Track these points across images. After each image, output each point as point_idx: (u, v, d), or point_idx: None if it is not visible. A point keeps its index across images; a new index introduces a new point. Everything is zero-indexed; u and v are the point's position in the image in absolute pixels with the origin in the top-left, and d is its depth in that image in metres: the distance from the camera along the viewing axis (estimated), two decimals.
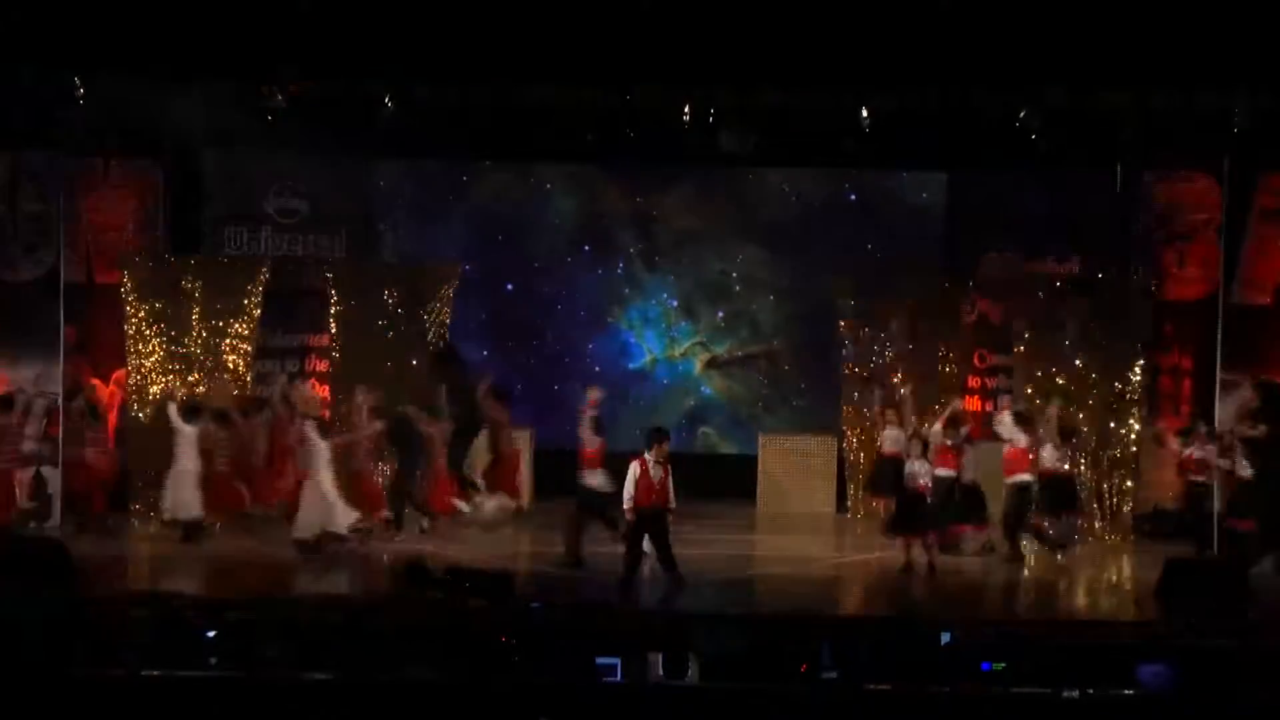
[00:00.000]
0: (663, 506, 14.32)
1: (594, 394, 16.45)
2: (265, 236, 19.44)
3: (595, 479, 15.36)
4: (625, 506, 14.35)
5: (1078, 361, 17.44)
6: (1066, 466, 16.42)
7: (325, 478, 15.65)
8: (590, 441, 15.54)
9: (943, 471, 15.84)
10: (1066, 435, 16.22)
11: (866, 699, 10.44)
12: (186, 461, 16.19)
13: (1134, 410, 17.32)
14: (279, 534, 16.46)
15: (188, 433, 16.25)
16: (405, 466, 17.06)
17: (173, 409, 16.50)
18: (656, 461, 14.26)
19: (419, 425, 17.00)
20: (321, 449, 15.71)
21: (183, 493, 16.13)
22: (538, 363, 20.38)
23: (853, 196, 20.29)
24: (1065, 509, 16.33)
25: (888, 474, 16.99)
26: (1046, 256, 19.26)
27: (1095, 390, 17.43)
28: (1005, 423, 16.19)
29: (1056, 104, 16.61)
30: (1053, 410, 16.47)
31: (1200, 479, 16.16)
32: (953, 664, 10.78)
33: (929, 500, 15.35)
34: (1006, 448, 16.07)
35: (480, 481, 17.57)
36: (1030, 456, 15.97)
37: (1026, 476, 15.91)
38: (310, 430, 15.87)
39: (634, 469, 14.31)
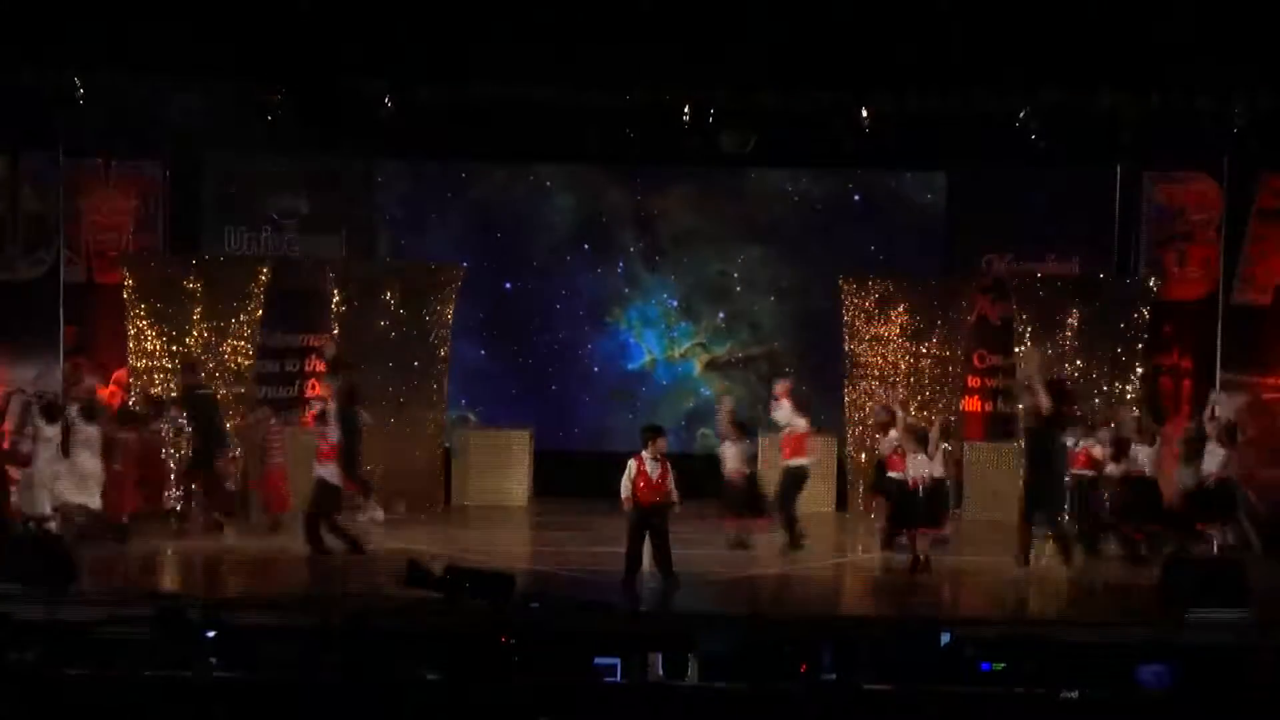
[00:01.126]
0: (662, 504, 14.38)
1: (332, 386, 16.52)
2: (265, 236, 19.44)
3: (327, 471, 15.49)
4: (623, 496, 14.40)
5: (1078, 361, 17.45)
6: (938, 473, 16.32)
7: (84, 462, 15.51)
8: (333, 434, 15.62)
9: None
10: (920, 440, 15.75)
11: (866, 699, 10.44)
12: (43, 462, 15.84)
13: (1134, 410, 17.32)
14: (277, 534, 16.49)
15: (48, 433, 15.87)
16: (202, 454, 16.83)
17: (34, 409, 16.12)
18: (653, 459, 14.35)
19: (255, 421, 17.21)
20: (89, 435, 15.57)
21: (34, 491, 15.81)
22: (536, 362, 20.35)
23: (857, 197, 20.28)
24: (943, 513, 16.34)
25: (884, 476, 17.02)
26: (1046, 256, 19.27)
27: (1095, 390, 17.46)
28: (784, 408, 16.34)
29: (1056, 104, 16.60)
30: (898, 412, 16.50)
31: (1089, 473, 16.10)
32: (953, 664, 10.78)
33: (919, 496, 15.30)
34: (784, 433, 16.18)
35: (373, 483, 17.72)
36: (809, 442, 16.18)
37: (804, 461, 16.10)
38: (75, 415, 15.73)
39: (631, 466, 14.38)
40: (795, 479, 16.17)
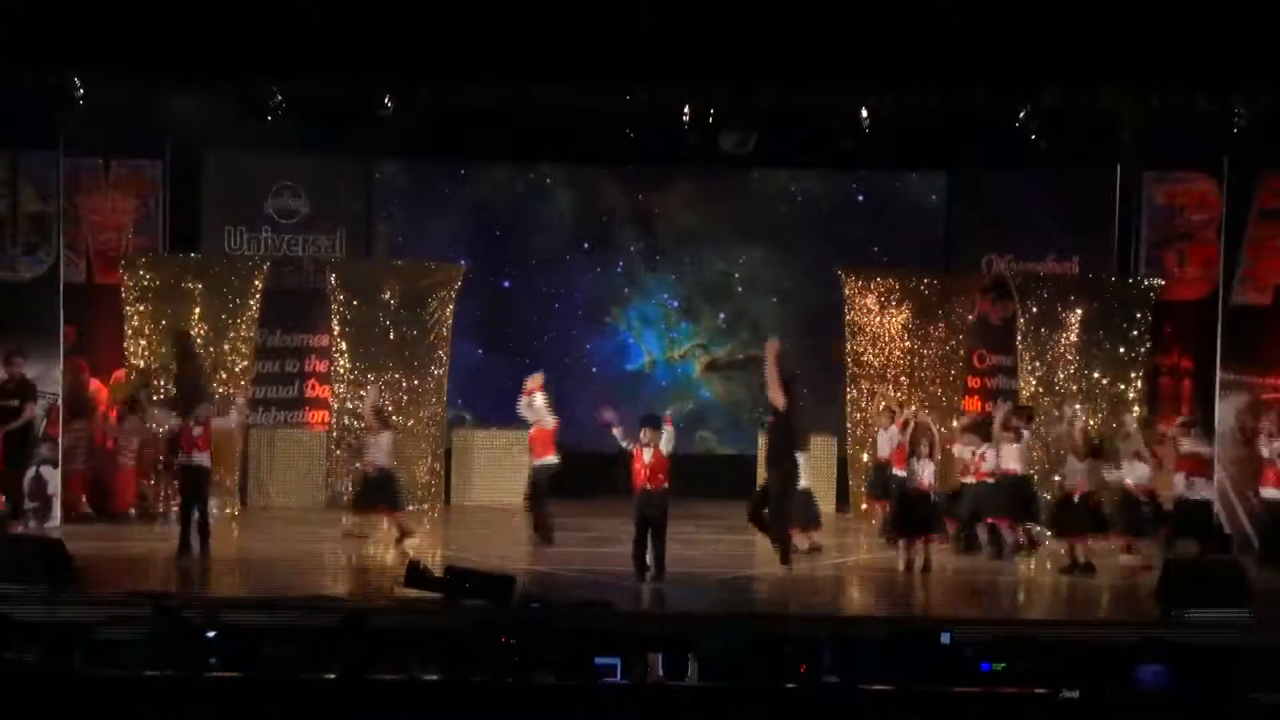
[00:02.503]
0: (657, 491, 14.45)
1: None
2: (265, 236, 19.43)
3: (201, 458, 15.52)
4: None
5: (1078, 362, 17.46)
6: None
7: None
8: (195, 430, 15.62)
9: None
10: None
11: (866, 699, 10.44)
12: None
13: (1134, 411, 17.32)
14: (274, 535, 16.49)
15: None
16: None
17: None
18: (645, 445, 14.51)
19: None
20: None
21: None
22: (534, 362, 20.23)
23: (860, 197, 20.26)
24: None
25: (884, 477, 17.04)
26: (1046, 256, 19.26)
27: (1096, 391, 17.47)
28: (537, 405, 16.49)
29: (1056, 104, 16.60)
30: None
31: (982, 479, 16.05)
32: (953, 664, 10.78)
33: (931, 500, 15.35)
34: (533, 429, 16.31)
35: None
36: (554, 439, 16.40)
37: (552, 459, 16.34)
38: None
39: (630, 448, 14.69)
40: (548, 477, 16.39)
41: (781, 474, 15.23)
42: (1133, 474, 15.76)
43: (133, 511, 17.49)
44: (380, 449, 16.42)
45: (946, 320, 18.71)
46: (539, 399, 16.59)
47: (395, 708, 10.29)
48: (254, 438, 18.40)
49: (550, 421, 16.39)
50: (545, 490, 16.46)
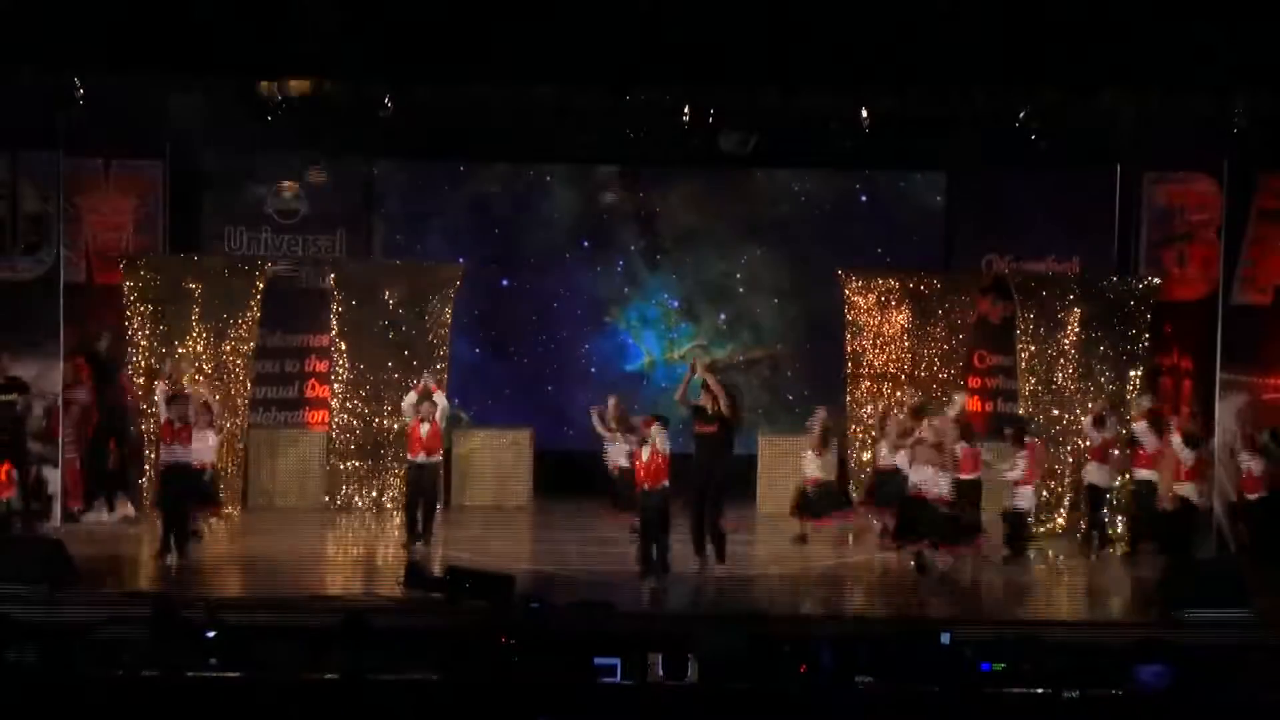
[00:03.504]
0: (657, 489, 14.49)
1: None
2: (265, 236, 19.44)
3: (183, 453, 15.54)
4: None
5: (1078, 362, 17.47)
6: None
7: None
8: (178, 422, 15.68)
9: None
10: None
11: (866, 699, 10.45)
12: None
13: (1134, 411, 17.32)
14: (274, 535, 16.50)
15: None
16: None
17: None
18: (642, 442, 14.67)
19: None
20: None
21: None
22: (532, 362, 20.29)
23: (862, 197, 20.25)
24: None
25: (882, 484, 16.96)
26: (1046, 256, 19.26)
27: (1096, 391, 17.48)
28: (441, 403, 16.62)
29: (1056, 104, 16.60)
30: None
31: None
32: (953, 664, 10.79)
33: (936, 506, 15.33)
34: (431, 426, 16.35)
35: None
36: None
37: (439, 457, 16.60)
38: None
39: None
40: (429, 474, 16.49)
41: (724, 478, 15.33)
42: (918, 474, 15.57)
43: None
44: (212, 449, 16.35)
45: (946, 320, 18.69)
46: (441, 399, 16.64)
47: (395, 708, 10.30)
48: (254, 438, 18.40)
49: (432, 418, 16.47)
50: (432, 486, 16.58)
